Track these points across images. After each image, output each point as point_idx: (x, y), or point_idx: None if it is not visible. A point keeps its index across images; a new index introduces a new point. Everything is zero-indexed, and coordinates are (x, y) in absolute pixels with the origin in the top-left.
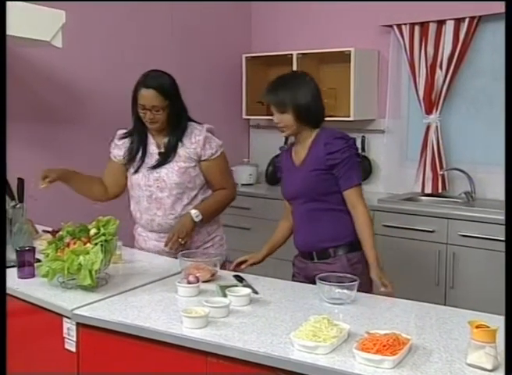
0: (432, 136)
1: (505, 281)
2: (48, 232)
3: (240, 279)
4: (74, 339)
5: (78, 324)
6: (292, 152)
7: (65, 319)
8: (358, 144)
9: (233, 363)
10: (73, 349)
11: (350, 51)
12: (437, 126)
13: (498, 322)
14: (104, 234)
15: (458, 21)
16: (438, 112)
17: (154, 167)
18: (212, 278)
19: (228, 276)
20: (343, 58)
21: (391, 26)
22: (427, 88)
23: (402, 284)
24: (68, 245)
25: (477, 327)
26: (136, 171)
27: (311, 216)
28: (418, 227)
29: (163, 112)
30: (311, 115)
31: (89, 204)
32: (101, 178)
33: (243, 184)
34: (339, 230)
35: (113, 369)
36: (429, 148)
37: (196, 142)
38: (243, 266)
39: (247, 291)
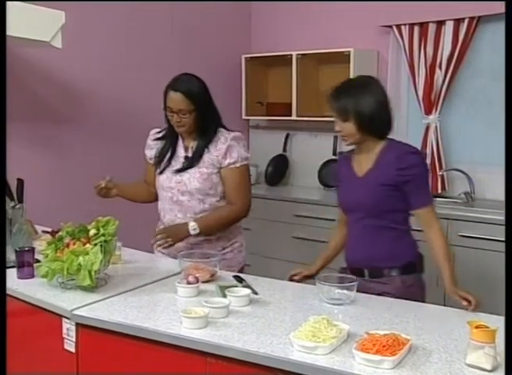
0: (431, 136)
1: (505, 281)
2: (48, 232)
3: (239, 279)
4: (73, 339)
5: (77, 324)
6: (352, 160)
7: (64, 319)
8: None
9: (233, 364)
10: (73, 349)
11: (349, 51)
12: (436, 127)
13: (497, 322)
14: (103, 235)
15: (457, 21)
16: (437, 112)
17: (179, 171)
18: (212, 278)
19: (227, 276)
20: (343, 58)
21: (390, 26)
22: (426, 88)
23: None
24: (67, 246)
25: (476, 327)
26: (162, 172)
27: (370, 232)
28: (417, 228)
29: (190, 116)
30: (374, 125)
31: (88, 204)
32: (144, 180)
33: None
34: (397, 251)
35: (112, 370)
36: (429, 149)
37: (219, 150)
38: (296, 278)
39: (247, 291)
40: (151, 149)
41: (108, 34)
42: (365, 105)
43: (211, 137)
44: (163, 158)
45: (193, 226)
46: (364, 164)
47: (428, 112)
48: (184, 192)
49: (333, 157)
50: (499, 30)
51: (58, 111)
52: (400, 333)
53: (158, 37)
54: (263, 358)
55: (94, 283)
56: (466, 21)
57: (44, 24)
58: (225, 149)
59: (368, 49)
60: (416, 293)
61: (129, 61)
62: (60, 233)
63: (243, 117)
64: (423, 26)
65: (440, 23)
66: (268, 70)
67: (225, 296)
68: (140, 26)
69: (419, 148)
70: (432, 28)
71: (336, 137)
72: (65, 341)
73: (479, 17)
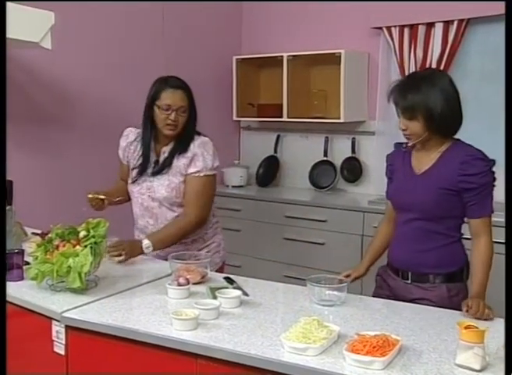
0: None
1: (505, 281)
2: (37, 234)
3: (230, 281)
4: (63, 342)
5: (67, 327)
6: (410, 155)
7: (54, 322)
8: (349, 146)
9: (223, 365)
10: (62, 352)
11: (340, 53)
12: None
13: (487, 323)
14: (93, 236)
15: (447, 24)
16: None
17: (150, 176)
18: (203, 280)
19: (218, 278)
20: (334, 60)
21: (381, 28)
22: None
23: None
24: (57, 248)
25: (466, 328)
26: (135, 181)
27: (420, 236)
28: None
29: (185, 114)
30: (443, 125)
31: (78, 206)
32: (121, 179)
33: (233, 186)
34: (446, 258)
35: (102, 372)
36: None
37: (186, 157)
38: (347, 279)
39: (238, 292)
40: (124, 151)
41: (98, 35)
42: (435, 103)
43: (189, 142)
44: (136, 163)
45: (146, 245)
46: (423, 162)
47: None
48: (154, 199)
49: (324, 158)
50: (487, 32)
51: (48, 112)
52: (391, 333)
53: (148, 38)
54: (253, 360)
55: (84, 285)
56: (455, 23)
57: (33, 25)
58: (191, 157)
59: (358, 51)
60: (459, 303)
61: (119, 62)
62: (50, 235)
63: (234, 118)
64: (413, 28)
65: (430, 25)
66: (260, 72)
67: (215, 298)
68: (131, 26)
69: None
70: (421, 30)
71: (326, 138)
72: (55, 343)
73: (468, 19)
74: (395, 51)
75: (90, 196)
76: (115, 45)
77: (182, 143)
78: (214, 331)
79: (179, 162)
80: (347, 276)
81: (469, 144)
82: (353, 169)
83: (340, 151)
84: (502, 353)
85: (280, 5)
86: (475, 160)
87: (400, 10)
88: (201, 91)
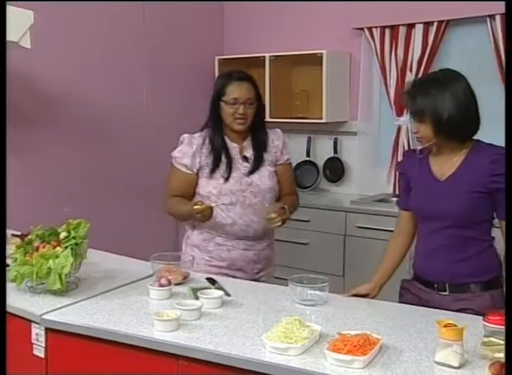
0: (403, 138)
1: (505, 281)
2: (17, 236)
3: (212, 281)
4: (43, 345)
5: (47, 329)
6: (429, 162)
7: (33, 324)
8: (331, 146)
9: (205, 366)
10: (42, 355)
11: (322, 53)
12: (408, 128)
13: (466, 320)
14: (74, 238)
15: (427, 25)
16: (408, 114)
17: (250, 173)
18: (184, 281)
19: (200, 278)
20: (316, 60)
21: (362, 29)
22: (397, 91)
23: None
24: (37, 249)
25: (445, 326)
26: (227, 178)
27: (456, 244)
28: (390, 228)
29: (253, 106)
30: (453, 130)
31: (58, 207)
32: (173, 196)
33: None
34: (484, 264)
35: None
36: (400, 150)
37: (275, 146)
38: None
39: (219, 293)
40: (194, 157)
41: (79, 35)
42: (444, 108)
43: (265, 134)
44: (219, 164)
45: (286, 208)
46: (446, 167)
47: (399, 113)
48: (257, 193)
49: (307, 158)
50: (467, 33)
51: (27, 112)
52: (372, 332)
53: (129, 38)
54: (235, 360)
55: (65, 287)
56: (435, 24)
57: (12, 24)
58: (281, 146)
59: (340, 51)
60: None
61: (100, 62)
62: (29, 236)
63: None
64: (394, 29)
65: (410, 26)
66: None
67: (197, 298)
68: (112, 27)
69: (391, 149)
70: (402, 31)
71: (309, 139)
72: (34, 346)
73: (448, 21)
74: (376, 51)
75: (199, 207)
76: (96, 45)
77: (261, 133)
78: (195, 332)
79: (270, 153)
80: (355, 295)
81: (491, 144)
82: (335, 169)
83: (322, 151)
84: (480, 350)
85: (262, 5)
86: (504, 158)
87: (381, 11)
88: (183, 91)
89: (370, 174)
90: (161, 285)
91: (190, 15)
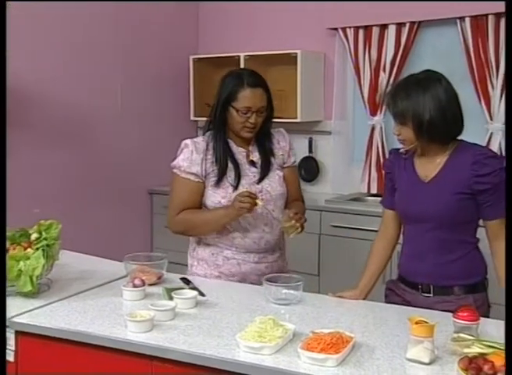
0: (376, 137)
1: (505, 281)
2: None
3: (186, 281)
4: (13, 348)
5: (17, 333)
6: (413, 162)
7: None
8: (306, 145)
9: (179, 366)
10: (11, 359)
11: (296, 53)
12: (381, 128)
13: (437, 317)
14: (45, 239)
15: (399, 26)
16: (382, 113)
17: (260, 180)
18: (158, 281)
19: (175, 278)
20: (290, 60)
21: (336, 29)
22: (371, 91)
23: (350, 284)
24: (7, 251)
25: (416, 323)
26: (237, 186)
27: (441, 246)
28: (365, 227)
29: (264, 113)
30: (434, 131)
31: (30, 207)
32: (182, 209)
33: None
34: (470, 268)
35: None
36: (374, 149)
37: (281, 148)
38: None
39: (194, 293)
40: (202, 164)
41: (51, 36)
42: (425, 110)
43: (270, 135)
44: (226, 171)
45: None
46: (429, 168)
47: (373, 113)
48: (268, 201)
49: None
50: (438, 34)
51: None
52: (345, 331)
53: (103, 38)
54: (209, 360)
55: (36, 288)
56: (407, 25)
57: None
58: (288, 147)
59: (315, 51)
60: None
61: (73, 63)
62: None
63: (192, 118)
64: (367, 29)
65: (383, 27)
66: (217, 71)
67: (171, 298)
68: (85, 27)
69: (365, 148)
70: (375, 31)
71: None
72: None
73: (419, 22)
74: (350, 51)
75: (246, 191)
76: (69, 46)
77: (267, 136)
78: (169, 332)
79: (277, 155)
80: (340, 297)
81: (475, 144)
82: (310, 169)
83: (297, 150)
84: (450, 346)
85: (237, 5)
86: (487, 159)
87: (355, 12)
88: (158, 90)
89: (344, 173)
90: (134, 286)
91: (164, 14)
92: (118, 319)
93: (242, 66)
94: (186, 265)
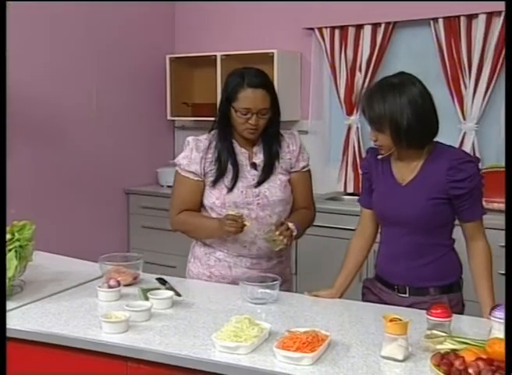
0: (353, 137)
1: (505, 281)
2: None
3: (162, 282)
4: None
5: None
6: (391, 164)
7: None
8: None
9: (154, 367)
10: None
11: (273, 52)
12: (358, 128)
13: (411, 315)
14: (18, 240)
15: (375, 26)
16: (358, 113)
17: (259, 184)
18: (134, 281)
19: (151, 279)
20: (267, 59)
21: (312, 29)
22: (347, 90)
23: (328, 283)
24: None
25: (390, 321)
26: (232, 188)
27: (415, 250)
28: (342, 226)
29: (267, 115)
30: (412, 137)
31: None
32: (186, 209)
33: (168, 186)
34: (445, 269)
35: None
36: (350, 149)
37: (290, 152)
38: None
39: (170, 293)
40: (201, 163)
41: (26, 35)
42: (402, 116)
43: (279, 138)
44: (224, 172)
45: (292, 227)
46: (406, 171)
47: (349, 113)
48: (265, 206)
49: None
50: (413, 35)
51: None
52: (320, 329)
53: (78, 37)
54: (184, 360)
55: (9, 290)
56: (382, 26)
57: None
58: (298, 151)
59: (291, 51)
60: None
61: (48, 62)
62: None
63: (169, 118)
64: (343, 29)
65: (359, 27)
66: (193, 71)
67: (147, 299)
68: (60, 26)
69: (341, 148)
70: (351, 31)
71: None
72: None
73: (394, 23)
74: (326, 51)
75: (233, 213)
76: (44, 45)
77: (275, 140)
78: (145, 333)
79: (284, 159)
80: (316, 296)
81: (450, 146)
82: None
83: None
84: (423, 343)
85: (213, 4)
86: (462, 164)
87: (331, 12)
88: (134, 90)
89: (321, 173)
90: (109, 286)
91: (140, 13)
92: (93, 320)
93: (219, 65)
94: (163, 265)
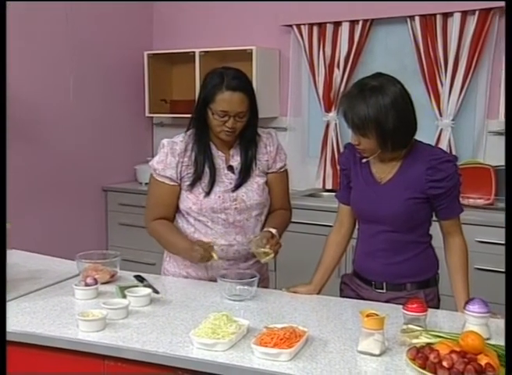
0: (331, 133)
1: (505, 281)
2: None
3: (141, 279)
4: None
5: None
6: (370, 163)
7: None
8: None
9: (132, 365)
10: None
11: (251, 49)
12: (336, 124)
13: (388, 310)
14: None
15: (352, 23)
16: (336, 110)
17: (236, 187)
18: (112, 279)
19: (128, 276)
20: (245, 56)
21: (291, 26)
22: (326, 87)
23: (307, 279)
24: None
25: (367, 316)
26: (208, 193)
27: (393, 247)
28: (321, 222)
29: (244, 118)
30: (397, 139)
31: None
32: (160, 217)
33: (146, 183)
34: (422, 266)
35: None
36: (329, 145)
37: (267, 153)
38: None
39: (147, 291)
40: (177, 167)
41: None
42: (388, 120)
43: (256, 139)
44: (201, 176)
45: (276, 234)
46: (385, 170)
47: (327, 109)
48: (242, 210)
49: None
50: (390, 32)
51: None
52: (298, 325)
53: (55, 34)
54: (162, 358)
55: None
56: (360, 23)
57: None
58: (275, 152)
59: (270, 48)
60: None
61: (24, 58)
62: None
63: (147, 115)
64: (321, 26)
65: (337, 24)
66: (172, 67)
67: (124, 296)
68: (37, 22)
69: (320, 145)
70: (329, 29)
71: None
72: None
73: (372, 20)
74: (305, 48)
75: (202, 242)
76: (20, 41)
77: (252, 142)
78: (122, 331)
79: (261, 161)
80: (294, 292)
81: (429, 144)
82: None
83: None
84: (400, 337)
85: (192, 1)
86: (442, 164)
87: (309, 9)
88: (112, 87)
89: (300, 169)
90: (86, 284)
91: (118, 9)
92: (69, 318)
93: (197, 62)
94: (142, 262)
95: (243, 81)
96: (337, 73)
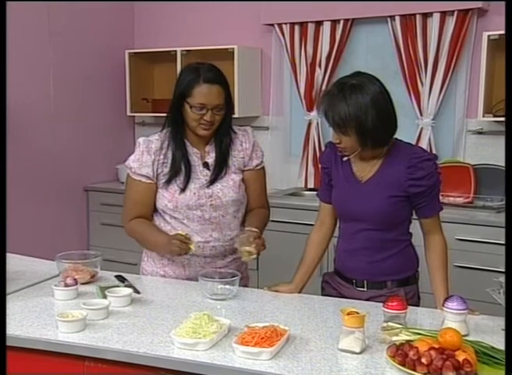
0: (313, 132)
1: (505, 280)
2: None
3: (121, 279)
4: None
5: None
6: (351, 162)
7: None
8: None
9: (112, 366)
10: None
11: (233, 48)
12: (318, 123)
13: (369, 308)
14: None
15: (334, 23)
16: (318, 109)
17: (211, 183)
18: (92, 279)
19: (110, 276)
20: (227, 55)
21: (272, 25)
22: (307, 86)
23: (289, 277)
24: None
25: (348, 314)
26: (184, 189)
27: (373, 245)
28: (303, 221)
29: (222, 111)
30: (377, 137)
31: None
32: (138, 216)
33: None
34: (403, 264)
35: None
36: (311, 144)
37: (243, 150)
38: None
39: (128, 291)
40: (153, 165)
41: None
42: (368, 118)
43: (231, 135)
44: (177, 173)
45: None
46: (366, 168)
47: (309, 109)
48: (218, 207)
49: None
50: (371, 32)
51: None
52: (279, 324)
53: (34, 32)
54: (143, 358)
55: None
56: (341, 22)
57: None
58: (251, 149)
59: (251, 47)
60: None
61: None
62: None
63: (128, 114)
64: (303, 25)
65: (318, 24)
66: (153, 66)
67: (105, 297)
68: (15, 22)
69: (302, 144)
70: (311, 28)
71: None
72: None
73: (353, 19)
74: (286, 48)
75: (180, 233)
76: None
77: (227, 137)
78: (102, 331)
79: (237, 158)
80: (276, 291)
81: (409, 143)
82: None
83: None
84: (380, 335)
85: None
86: (422, 162)
87: (291, 8)
88: (93, 86)
89: (282, 168)
90: (66, 285)
91: (99, 8)
92: (48, 319)
93: (179, 60)
94: (123, 262)
95: (219, 75)
96: (319, 72)
